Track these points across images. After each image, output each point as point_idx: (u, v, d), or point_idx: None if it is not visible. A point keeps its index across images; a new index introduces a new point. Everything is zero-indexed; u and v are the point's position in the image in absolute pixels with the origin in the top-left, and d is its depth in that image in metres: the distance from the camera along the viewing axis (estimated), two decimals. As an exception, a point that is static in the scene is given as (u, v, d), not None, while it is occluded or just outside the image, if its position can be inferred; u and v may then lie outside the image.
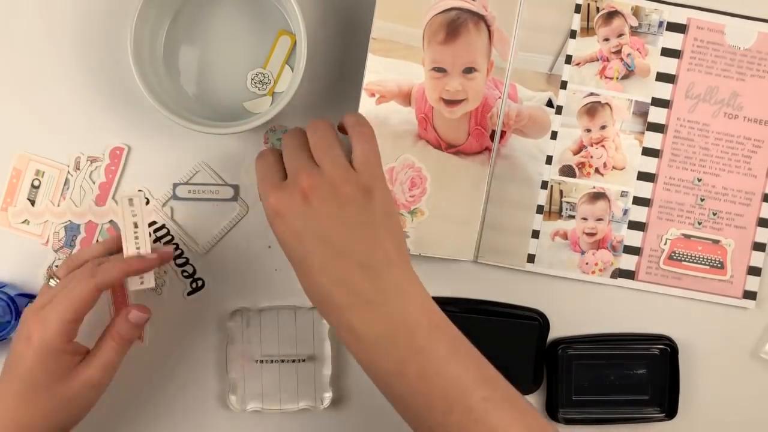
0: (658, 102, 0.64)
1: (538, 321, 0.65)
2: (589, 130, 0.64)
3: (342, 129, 0.55)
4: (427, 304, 0.51)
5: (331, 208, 0.49)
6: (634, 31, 0.64)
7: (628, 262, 0.65)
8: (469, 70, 0.62)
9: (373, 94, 0.62)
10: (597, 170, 0.64)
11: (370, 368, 0.50)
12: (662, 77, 0.64)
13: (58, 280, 0.57)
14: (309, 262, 0.49)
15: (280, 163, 0.52)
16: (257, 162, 0.53)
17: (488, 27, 0.62)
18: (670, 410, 0.65)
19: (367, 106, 0.62)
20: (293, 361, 0.64)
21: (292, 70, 0.63)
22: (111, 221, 0.64)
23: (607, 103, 0.64)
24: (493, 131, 0.63)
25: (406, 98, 0.63)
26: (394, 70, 0.62)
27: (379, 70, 0.62)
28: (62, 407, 0.55)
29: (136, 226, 0.57)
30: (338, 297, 0.49)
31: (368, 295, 0.48)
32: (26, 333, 0.53)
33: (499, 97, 0.63)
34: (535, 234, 0.64)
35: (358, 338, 0.49)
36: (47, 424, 0.54)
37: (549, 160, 0.64)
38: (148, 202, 0.64)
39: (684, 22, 0.64)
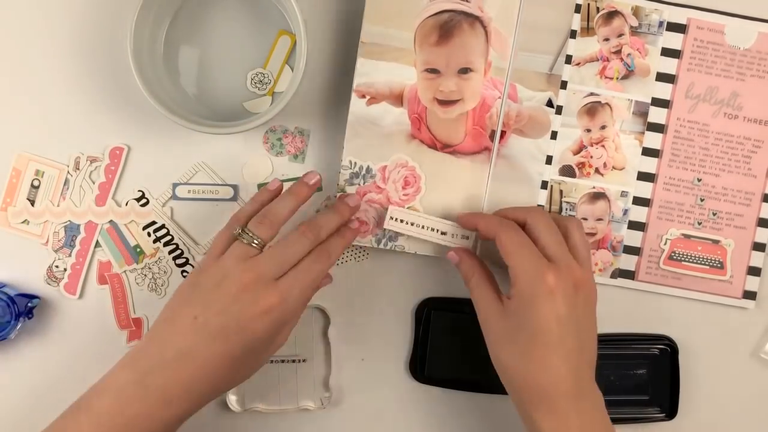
0: (658, 102, 0.64)
1: (538, 321, 0.65)
2: (589, 130, 0.64)
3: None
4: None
5: (588, 305, 0.55)
6: (634, 31, 0.64)
7: (628, 262, 0.65)
8: (464, 71, 0.62)
9: (363, 96, 0.62)
10: (597, 170, 0.64)
11: None
12: (662, 77, 0.64)
13: (260, 240, 0.54)
14: (560, 345, 0.53)
15: (532, 242, 0.55)
16: (511, 233, 0.55)
17: (485, 27, 0.62)
18: (670, 410, 0.65)
19: (357, 107, 0.62)
20: (293, 361, 0.64)
21: (292, 70, 0.63)
22: (111, 221, 0.64)
23: (607, 103, 0.64)
24: (493, 131, 0.63)
25: (397, 99, 0.63)
26: (384, 73, 0.62)
27: (370, 72, 0.62)
28: (255, 369, 0.56)
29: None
30: (566, 386, 0.53)
31: (587, 391, 0.54)
32: (266, 304, 0.52)
33: (499, 97, 0.63)
34: (535, 234, 0.64)
35: (567, 426, 0.53)
36: (236, 384, 0.57)
37: (549, 160, 0.64)
38: (147, 203, 0.64)
39: (684, 22, 0.64)
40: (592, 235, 0.64)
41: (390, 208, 0.61)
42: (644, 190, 0.65)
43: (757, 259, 0.65)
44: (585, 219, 0.64)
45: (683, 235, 0.65)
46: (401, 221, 0.61)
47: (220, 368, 0.52)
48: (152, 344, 0.53)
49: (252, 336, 0.52)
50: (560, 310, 0.52)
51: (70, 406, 0.53)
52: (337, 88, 0.64)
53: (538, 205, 0.63)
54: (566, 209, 0.64)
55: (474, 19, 0.62)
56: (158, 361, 0.52)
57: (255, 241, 0.54)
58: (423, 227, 0.61)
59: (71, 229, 0.64)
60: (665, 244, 0.65)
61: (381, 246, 0.63)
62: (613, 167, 0.64)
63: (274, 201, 0.57)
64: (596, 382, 0.55)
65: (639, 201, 0.65)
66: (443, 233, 0.61)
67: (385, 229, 0.63)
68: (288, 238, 0.55)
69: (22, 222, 0.63)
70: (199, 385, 0.52)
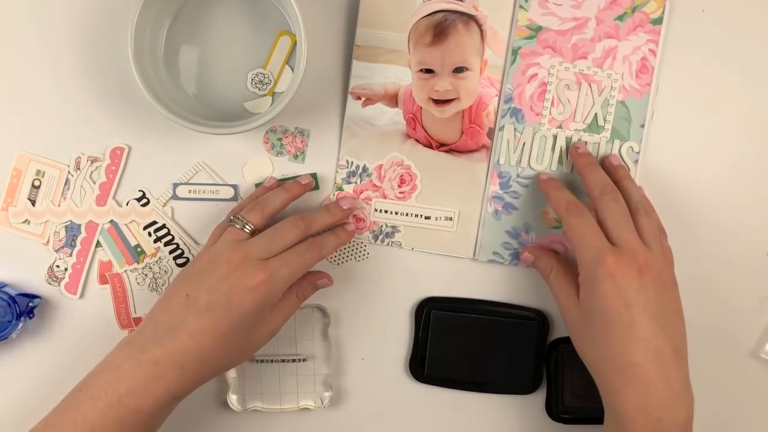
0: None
1: (538, 321, 0.65)
2: (588, 130, 0.64)
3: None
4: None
5: (658, 290, 0.53)
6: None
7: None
8: (460, 70, 0.63)
9: (359, 98, 0.63)
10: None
11: None
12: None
13: (251, 226, 0.57)
14: (634, 329, 0.52)
15: (597, 226, 0.55)
16: (576, 219, 0.56)
17: (480, 26, 0.62)
18: (670, 410, 0.65)
19: (353, 108, 0.63)
20: (293, 360, 0.65)
21: (292, 70, 0.63)
22: (111, 221, 0.64)
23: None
24: (491, 129, 0.63)
25: (392, 100, 0.63)
26: (379, 74, 0.63)
27: (365, 75, 0.63)
28: (246, 351, 0.57)
29: None
30: (647, 370, 0.52)
31: (672, 378, 0.52)
32: (253, 280, 0.54)
33: (496, 95, 0.63)
34: (535, 233, 0.65)
35: (646, 414, 0.52)
36: (228, 365, 0.58)
37: (548, 159, 0.64)
38: (148, 203, 0.64)
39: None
40: None
41: (373, 201, 0.63)
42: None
43: (756, 258, 0.65)
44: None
45: (683, 234, 0.65)
46: (385, 212, 0.63)
47: (209, 343, 0.53)
48: (148, 324, 0.55)
49: (239, 312, 0.53)
50: (626, 295, 0.52)
51: (73, 387, 0.54)
52: (338, 88, 0.64)
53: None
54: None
55: (469, 18, 0.62)
56: (152, 338, 0.54)
57: (247, 226, 0.57)
58: (407, 214, 0.63)
59: (72, 229, 0.64)
60: (665, 243, 0.65)
61: (378, 242, 0.64)
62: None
63: (267, 193, 0.60)
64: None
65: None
66: (426, 218, 0.63)
67: (381, 226, 0.63)
68: (279, 225, 0.57)
69: (23, 222, 0.64)
70: (190, 360, 0.53)
